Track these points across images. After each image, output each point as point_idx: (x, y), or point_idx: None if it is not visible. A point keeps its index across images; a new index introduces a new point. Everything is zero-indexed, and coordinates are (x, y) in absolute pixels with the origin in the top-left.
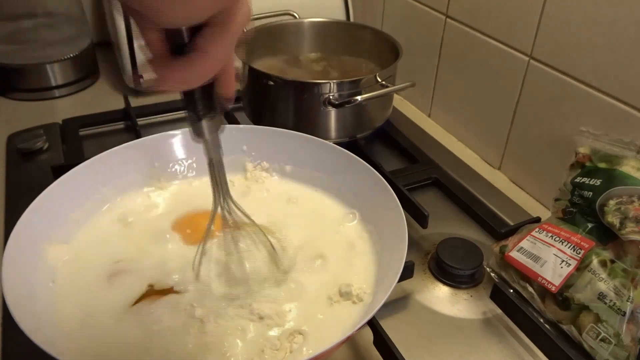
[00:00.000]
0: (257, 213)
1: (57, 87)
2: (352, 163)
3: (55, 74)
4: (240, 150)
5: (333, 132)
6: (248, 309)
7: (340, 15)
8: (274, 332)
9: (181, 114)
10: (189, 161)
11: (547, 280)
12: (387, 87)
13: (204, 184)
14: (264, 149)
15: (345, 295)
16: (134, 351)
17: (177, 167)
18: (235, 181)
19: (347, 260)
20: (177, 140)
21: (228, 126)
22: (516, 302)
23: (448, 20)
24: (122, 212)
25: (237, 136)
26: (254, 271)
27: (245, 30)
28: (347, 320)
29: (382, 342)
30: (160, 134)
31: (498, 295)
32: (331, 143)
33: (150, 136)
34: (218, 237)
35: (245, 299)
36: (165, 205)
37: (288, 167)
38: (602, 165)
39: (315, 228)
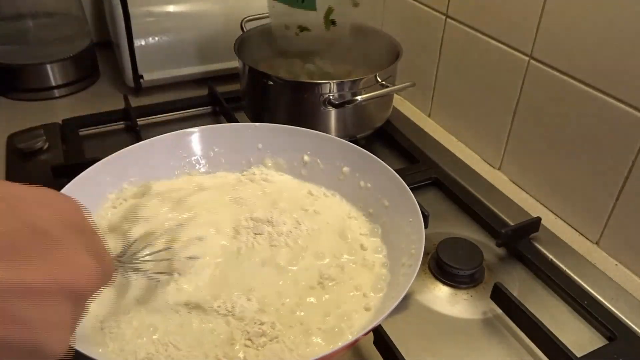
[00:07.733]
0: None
1: (57, 87)
2: (371, 163)
3: (55, 74)
4: (256, 149)
5: (333, 132)
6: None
7: None
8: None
9: (181, 113)
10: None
11: None
12: (387, 87)
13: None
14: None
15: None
16: None
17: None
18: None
19: (357, 264)
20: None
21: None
22: (516, 302)
23: (448, 20)
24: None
25: (254, 134)
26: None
27: None
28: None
29: (382, 342)
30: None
31: (498, 295)
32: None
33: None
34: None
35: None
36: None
37: (303, 169)
38: None
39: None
